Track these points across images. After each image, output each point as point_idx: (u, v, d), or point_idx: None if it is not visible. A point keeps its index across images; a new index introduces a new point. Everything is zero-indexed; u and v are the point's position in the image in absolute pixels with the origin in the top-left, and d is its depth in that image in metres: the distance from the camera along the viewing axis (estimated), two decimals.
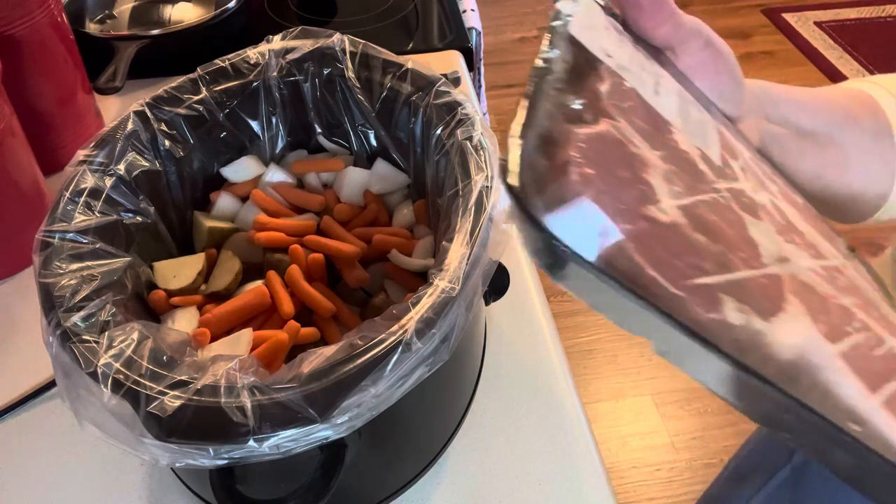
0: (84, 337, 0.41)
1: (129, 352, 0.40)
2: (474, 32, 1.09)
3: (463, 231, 0.45)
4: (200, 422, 0.38)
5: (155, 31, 0.98)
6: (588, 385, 1.78)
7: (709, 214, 0.29)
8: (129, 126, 0.54)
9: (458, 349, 0.42)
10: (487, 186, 0.48)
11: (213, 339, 0.48)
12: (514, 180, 0.23)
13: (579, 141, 0.26)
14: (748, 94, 0.44)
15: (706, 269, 0.26)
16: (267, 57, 0.60)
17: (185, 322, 0.50)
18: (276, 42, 0.60)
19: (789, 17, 3.01)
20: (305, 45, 0.60)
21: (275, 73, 0.60)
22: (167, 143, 0.56)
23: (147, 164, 0.54)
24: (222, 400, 0.38)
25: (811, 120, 0.47)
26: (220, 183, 0.61)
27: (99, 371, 0.39)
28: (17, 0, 0.73)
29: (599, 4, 0.38)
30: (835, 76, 2.69)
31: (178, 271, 0.53)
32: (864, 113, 0.49)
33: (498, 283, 0.55)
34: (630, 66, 0.35)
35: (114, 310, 0.44)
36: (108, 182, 0.51)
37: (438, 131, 0.54)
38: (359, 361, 0.39)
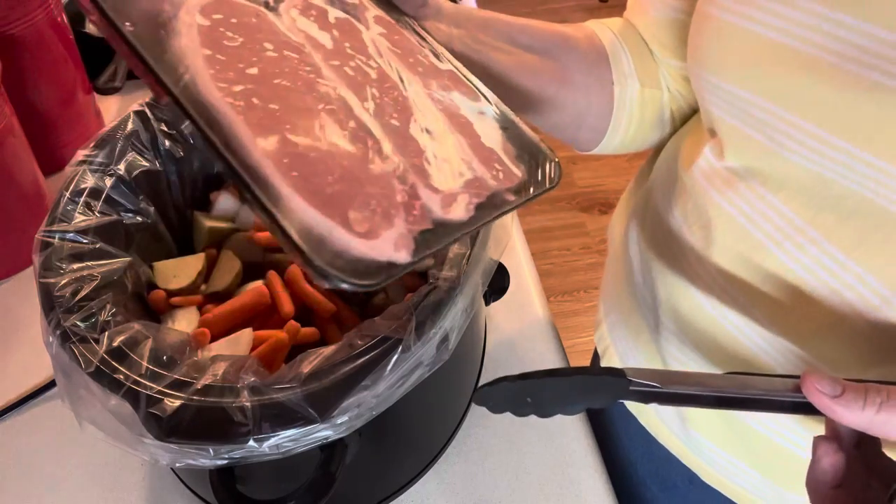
0: (84, 337, 0.41)
1: (129, 352, 0.40)
2: None
3: None
4: (200, 422, 0.38)
5: None
6: None
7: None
8: (129, 126, 0.54)
9: (458, 349, 0.42)
10: None
11: (213, 339, 0.48)
12: None
13: None
14: (448, 8, 0.48)
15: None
16: None
17: (185, 322, 0.50)
18: None
19: None
20: None
21: None
22: (167, 143, 0.56)
23: (147, 164, 0.54)
24: (222, 400, 0.38)
25: (529, 38, 0.51)
26: (220, 183, 0.61)
27: (99, 371, 0.39)
28: (16, 0, 0.73)
29: None
30: None
31: (178, 271, 0.53)
32: (581, 36, 0.53)
33: (498, 283, 0.55)
34: None
35: (114, 310, 0.44)
36: (108, 182, 0.51)
37: None
38: (359, 361, 0.39)
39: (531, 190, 0.38)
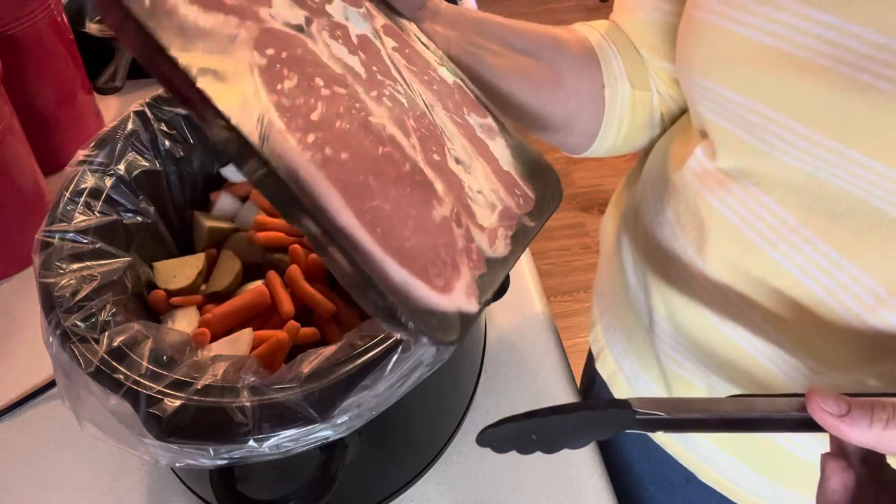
0: (84, 337, 0.41)
1: (129, 352, 0.40)
2: None
3: None
4: (200, 422, 0.38)
5: None
6: None
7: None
8: (129, 126, 0.54)
9: (458, 349, 0.42)
10: None
11: (213, 339, 0.48)
12: None
13: None
14: (445, 8, 0.48)
15: None
16: None
17: (185, 322, 0.50)
18: None
19: None
20: None
21: None
22: (167, 142, 0.56)
23: (147, 164, 0.54)
24: (222, 400, 0.38)
25: (521, 41, 0.51)
26: (220, 183, 0.61)
27: (99, 371, 0.39)
28: (17, 0, 0.73)
29: None
30: None
31: (178, 271, 0.53)
32: (572, 39, 0.54)
33: None
34: None
35: (114, 310, 0.44)
36: (108, 182, 0.51)
37: None
38: (359, 361, 0.39)
39: (544, 211, 0.38)
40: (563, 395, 0.62)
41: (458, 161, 0.36)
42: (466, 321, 0.30)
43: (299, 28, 0.35)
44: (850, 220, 0.39)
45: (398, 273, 0.28)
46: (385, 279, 0.28)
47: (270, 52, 0.32)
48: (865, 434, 0.30)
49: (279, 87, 0.30)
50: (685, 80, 0.45)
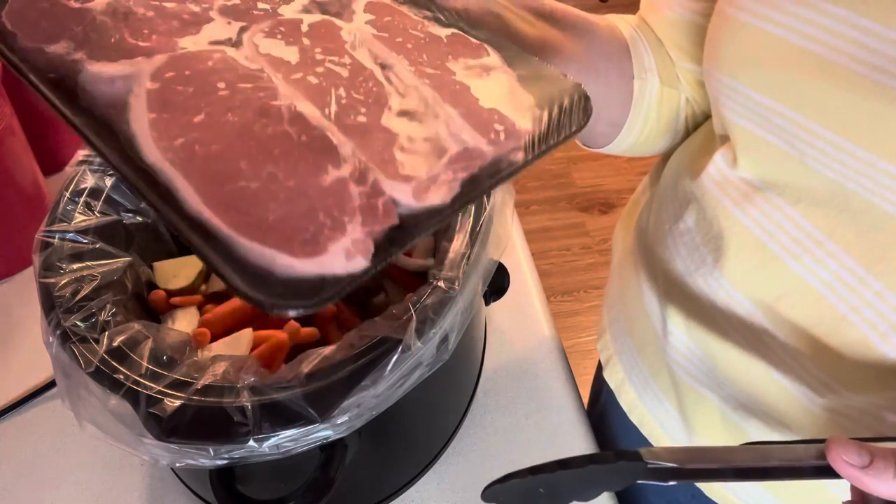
0: (84, 337, 0.41)
1: (129, 352, 0.40)
2: None
3: (463, 230, 0.45)
4: (200, 422, 0.38)
5: None
6: (588, 385, 1.78)
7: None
8: None
9: (458, 349, 0.42)
10: None
11: (213, 339, 0.48)
12: None
13: None
14: None
15: None
16: None
17: (185, 322, 0.50)
18: None
19: None
20: None
21: None
22: None
23: None
24: (222, 400, 0.38)
25: (550, 12, 0.49)
26: None
27: (99, 371, 0.39)
28: None
29: None
30: None
31: (178, 271, 0.53)
32: (602, 24, 0.52)
33: (498, 283, 0.55)
34: None
35: (114, 310, 0.44)
36: (109, 182, 0.51)
37: None
38: (359, 361, 0.39)
39: (552, 139, 0.36)
40: (562, 394, 0.62)
41: (405, 114, 0.36)
42: (336, 282, 0.30)
43: (226, 41, 0.38)
44: (876, 235, 0.37)
45: (252, 249, 0.30)
46: (235, 258, 0.29)
47: (170, 74, 0.35)
48: (888, 486, 0.29)
49: (164, 103, 0.34)
50: (712, 80, 0.44)
